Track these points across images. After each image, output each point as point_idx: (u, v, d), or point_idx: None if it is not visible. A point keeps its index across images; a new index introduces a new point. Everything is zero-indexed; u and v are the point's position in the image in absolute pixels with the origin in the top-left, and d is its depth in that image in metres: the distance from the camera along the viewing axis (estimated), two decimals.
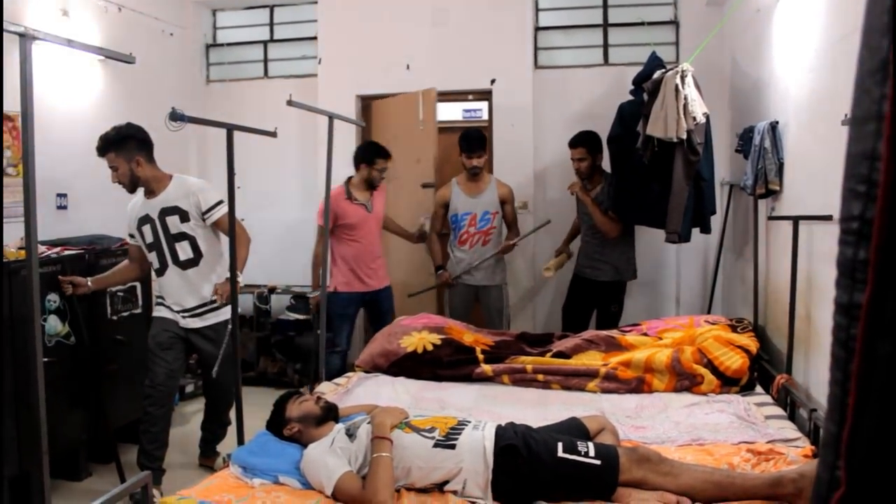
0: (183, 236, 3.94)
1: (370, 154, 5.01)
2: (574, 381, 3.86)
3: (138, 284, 4.61)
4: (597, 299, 5.14)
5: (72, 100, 5.03)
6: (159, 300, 4.09)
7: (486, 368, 3.98)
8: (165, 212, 3.92)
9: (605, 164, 5.04)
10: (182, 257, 3.96)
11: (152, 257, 4.00)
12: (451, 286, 5.18)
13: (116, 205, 5.36)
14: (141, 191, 3.97)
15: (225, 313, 4.04)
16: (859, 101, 0.67)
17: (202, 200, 3.94)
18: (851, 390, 0.63)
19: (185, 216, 3.92)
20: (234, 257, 3.59)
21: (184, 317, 4.01)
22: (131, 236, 4.09)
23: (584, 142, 4.99)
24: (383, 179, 5.08)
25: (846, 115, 2.90)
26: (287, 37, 6.56)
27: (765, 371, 3.95)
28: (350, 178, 5.08)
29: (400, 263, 5.72)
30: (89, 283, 4.01)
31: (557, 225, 5.35)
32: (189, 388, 5.67)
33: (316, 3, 6.23)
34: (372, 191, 5.06)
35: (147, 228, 3.95)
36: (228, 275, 3.89)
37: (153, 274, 4.11)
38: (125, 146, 3.86)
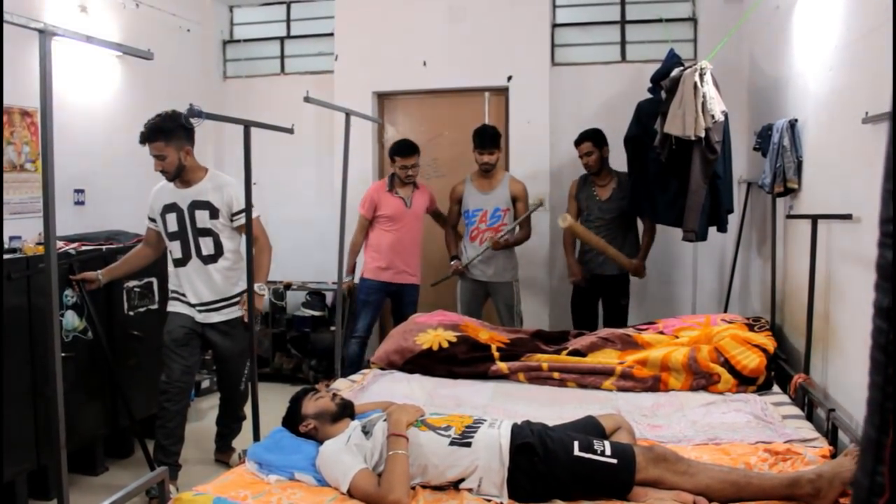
0: (208, 232, 3.95)
1: (391, 151, 5.24)
2: (590, 379, 3.84)
3: (155, 280, 4.63)
4: (603, 293, 5.20)
5: (90, 96, 5.05)
6: (174, 294, 4.08)
7: (502, 366, 3.97)
8: (196, 205, 3.93)
9: (623, 163, 5.03)
10: (205, 252, 3.97)
11: (174, 246, 3.99)
12: (463, 275, 5.22)
13: (133, 200, 5.40)
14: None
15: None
16: None
17: (234, 200, 3.95)
18: (894, 395, 0.62)
19: (214, 213, 3.93)
20: (250, 255, 3.60)
21: (200, 311, 4.01)
22: (152, 220, 4.08)
23: (589, 136, 5.04)
24: (411, 176, 5.20)
25: (867, 113, 2.88)
26: (304, 33, 6.56)
27: (782, 370, 3.92)
28: (393, 174, 5.26)
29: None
30: (100, 276, 4.01)
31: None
32: (205, 384, 5.69)
33: None
34: (414, 188, 5.24)
35: (172, 217, 3.95)
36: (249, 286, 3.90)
37: (170, 265, 4.09)
38: (175, 135, 3.83)
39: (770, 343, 3.81)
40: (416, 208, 5.26)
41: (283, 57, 6.61)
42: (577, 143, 5.09)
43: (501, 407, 3.46)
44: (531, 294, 5.75)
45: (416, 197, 5.27)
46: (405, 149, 5.16)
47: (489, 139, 5.06)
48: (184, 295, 4.03)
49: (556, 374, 3.89)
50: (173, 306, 4.07)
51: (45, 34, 2.40)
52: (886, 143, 0.67)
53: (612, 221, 5.06)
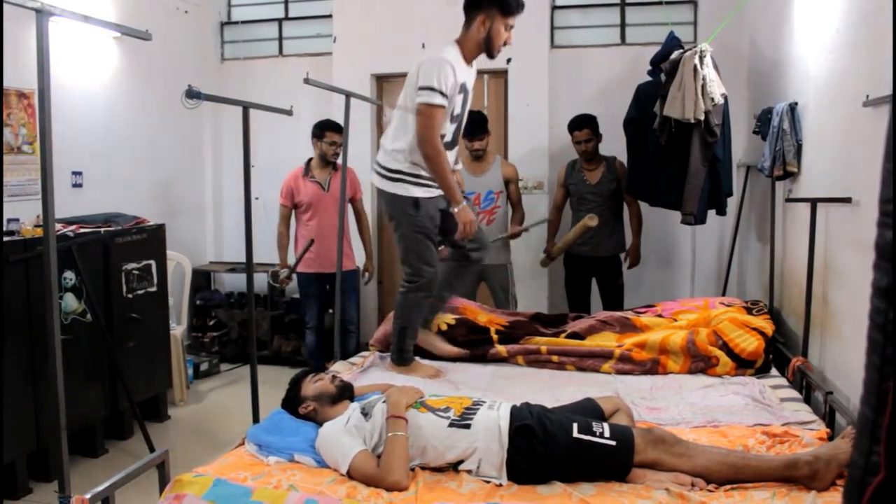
0: None
1: (320, 127, 5.07)
2: (589, 362, 3.85)
3: (153, 262, 4.62)
4: (598, 274, 5.26)
5: (87, 77, 5.03)
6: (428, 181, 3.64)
7: (501, 349, 3.98)
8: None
9: (619, 147, 5.02)
10: None
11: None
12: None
13: (131, 183, 5.40)
14: None
15: None
16: None
17: None
18: (892, 375, 0.62)
19: None
20: (249, 234, 3.60)
21: None
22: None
23: (589, 122, 5.03)
24: (336, 154, 4.99)
25: (867, 97, 2.87)
26: (302, 15, 6.53)
27: (780, 353, 3.93)
28: (310, 158, 5.17)
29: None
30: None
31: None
32: (203, 366, 5.69)
33: None
34: (332, 170, 5.09)
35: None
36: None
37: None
38: None
39: (768, 326, 3.82)
40: (335, 191, 4.98)
41: (280, 39, 6.58)
42: (576, 127, 5.05)
43: (500, 389, 3.46)
44: (529, 277, 5.75)
45: (336, 179, 5.04)
46: (337, 125, 4.93)
47: (478, 127, 4.99)
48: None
49: (554, 357, 3.89)
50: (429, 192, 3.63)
51: (42, 14, 2.39)
52: (888, 123, 0.67)
53: (604, 205, 5.09)
